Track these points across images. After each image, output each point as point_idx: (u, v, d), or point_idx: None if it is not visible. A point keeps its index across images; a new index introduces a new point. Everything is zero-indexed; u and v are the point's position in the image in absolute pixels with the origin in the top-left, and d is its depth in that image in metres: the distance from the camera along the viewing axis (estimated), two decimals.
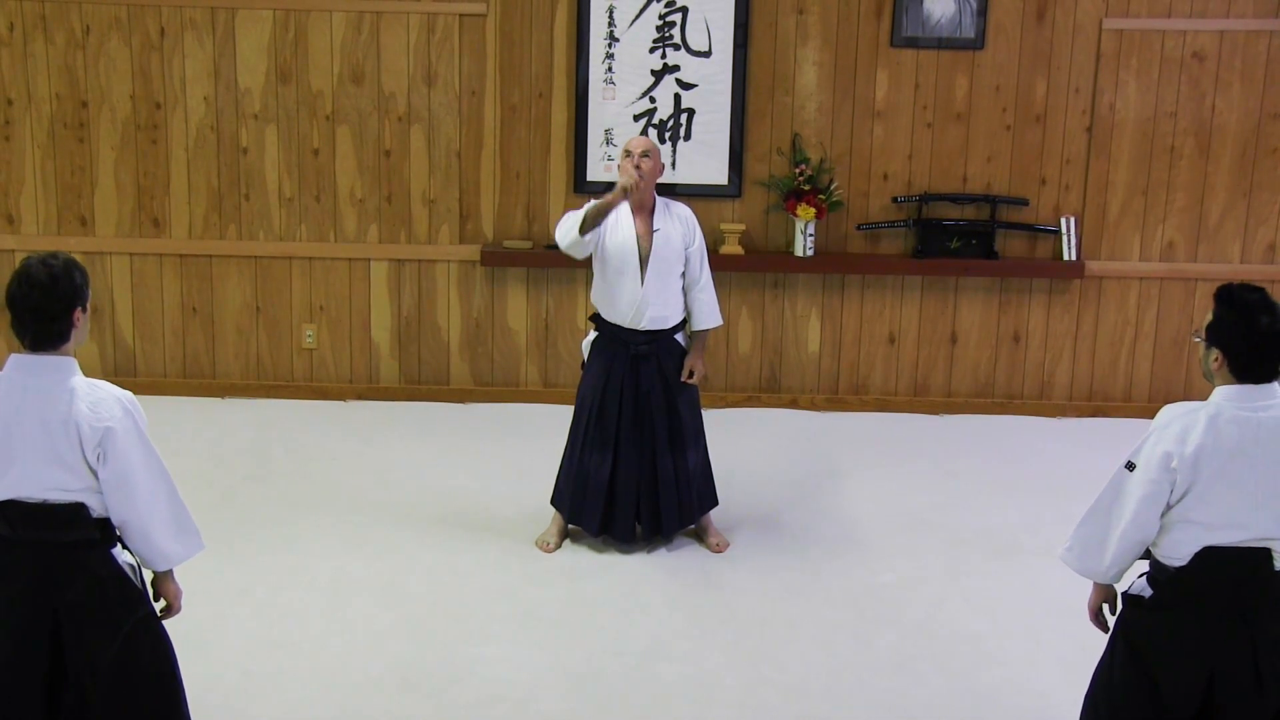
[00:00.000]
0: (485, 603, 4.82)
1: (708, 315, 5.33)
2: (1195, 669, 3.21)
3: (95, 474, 3.15)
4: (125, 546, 3.30)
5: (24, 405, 3.14)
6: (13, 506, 3.14)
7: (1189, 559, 3.21)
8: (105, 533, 3.22)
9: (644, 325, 5.19)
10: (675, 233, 5.19)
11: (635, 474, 5.26)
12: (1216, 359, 3.24)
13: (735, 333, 7.06)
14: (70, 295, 3.16)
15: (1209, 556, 3.19)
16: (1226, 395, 3.22)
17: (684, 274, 5.26)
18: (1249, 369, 3.20)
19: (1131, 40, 6.81)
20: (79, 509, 3.15)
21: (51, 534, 3.15)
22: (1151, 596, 3.28)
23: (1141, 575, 3.36)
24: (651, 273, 5.15)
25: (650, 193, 5.19)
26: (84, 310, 3.21)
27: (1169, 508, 3.23)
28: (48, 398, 3.14)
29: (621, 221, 5.15)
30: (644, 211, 5.19)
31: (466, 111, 6.87)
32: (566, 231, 5.13)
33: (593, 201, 5.11)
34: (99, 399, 3.16)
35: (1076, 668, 4.18)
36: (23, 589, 3.16)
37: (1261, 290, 3.22)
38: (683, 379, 5.28)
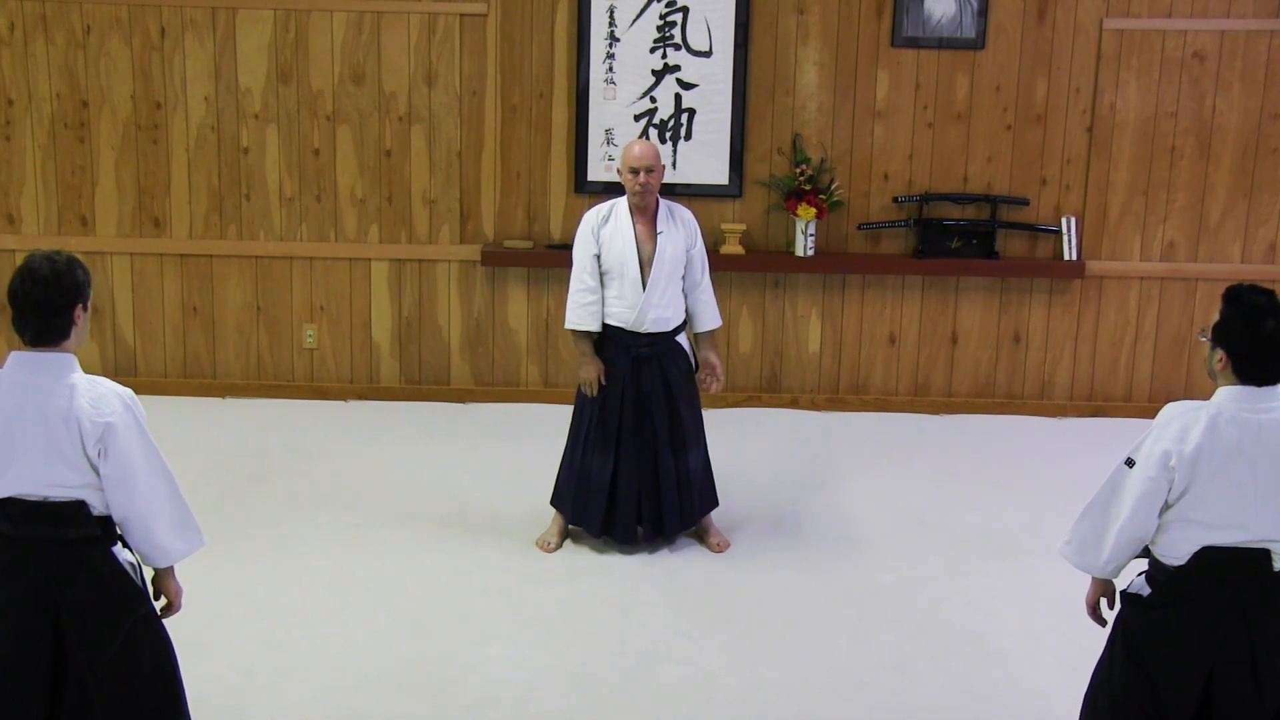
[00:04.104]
0: (485, 603, 4.82)
1: (709, 317, 5.39)
2: (1194, 668, 3.21)
3: (96, 470, 3.16)
4: (126, 545, 3.31)
5: (25, 402, 3.14)
6: (14, 504, 3.14)
7: (1188, 558, 3.21)
8: (106, 530, 3.22)
9: (646, 328, 5.19)
10: (678, 236, 5.20)
11: (636, 475, 5.26)
12: (1221, 359, 3.23)
13: (736, 333, 7.06)
14: (73, 291, 3.17)
15: (1208, 556, 3.19)
16: (1229, 396, 3.21)
17: (684, 276, 5.28)
18: (1253, 371, 3.19)
19: (1132, 40, 6.81)
20: (80, 506, 3.16)
21: (53, 531, 3.15)
22: (1150, 595, 3.28)
23: (1140, 573, 3.36)
24: (654, 276, 5.15)
25: (654, 198, 5.20)
26: (85, 308, 3.22)
27: (1168, 506, 3.23)
28: (48, 394, 3.14)
29: (621, 226, 5.16)
30: (646, 216, 5.19)
31: (467, 111, 6.87)
32: (572, 316, 5.27)
33: (582, 346, 5.26)
34: (99, 395, 3.17)
35: (1076, 667, 4.18)
36: (24, 586, 3.16)
37: (1270, 293, 3.21)
38: (705, 377, 5.38)
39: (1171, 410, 3.27)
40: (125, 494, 3.19)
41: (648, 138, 6.83)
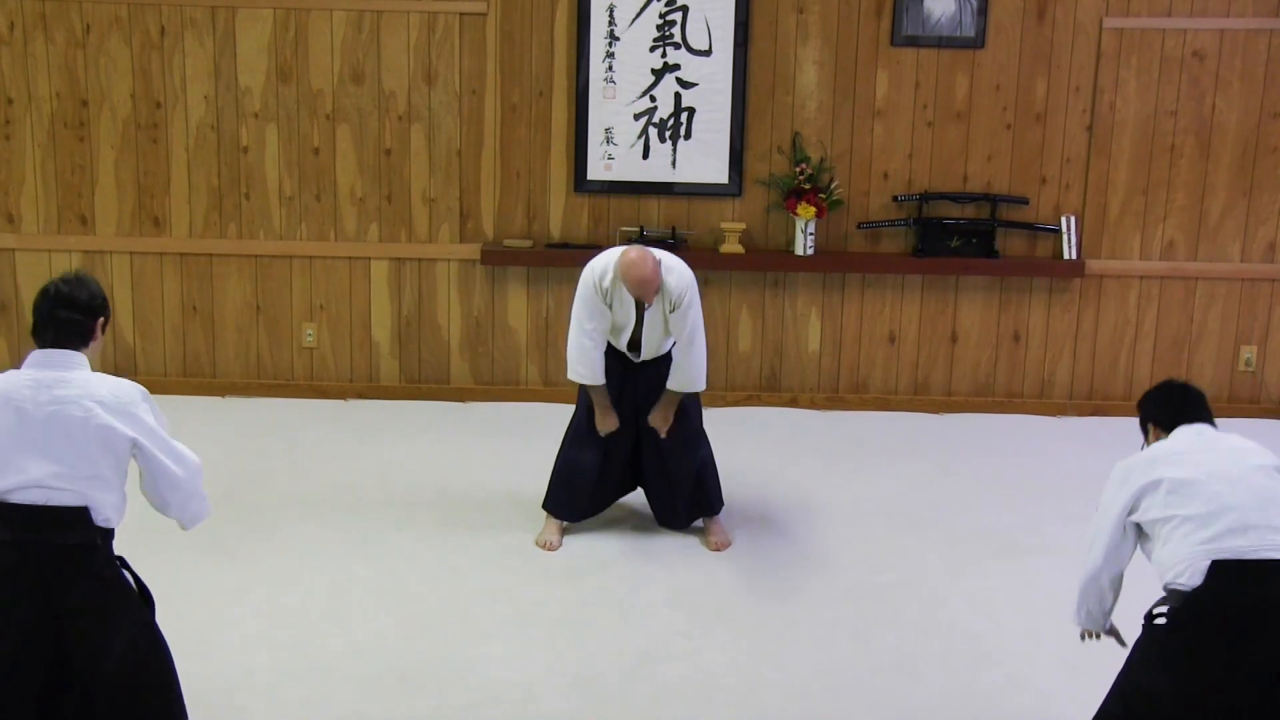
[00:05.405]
0: (485, 603, 4.82)
1: (682, 377, 5.14)
2: (1217, 691, 3.18)
3: (106, 458, 3.19)
4: (125, 566, 3.34)
5: (38, 392, 3.20)
6: (14, 509, 3.14)
7: (1200, 576, 3.18)
8: (105, 539, 3.24)
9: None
10: (662, 311, 5.09)
11: (626, 468, 5.38)
12: (1153, 433, 3.57)
13: (735, 332, 7.06)
14: (97, 303, 3.36)
15: (1221, 571, 3.17)
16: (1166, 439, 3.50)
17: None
18: (1176, 417, 3.52)
19: (1132, 39, 6.81)
20: (82, 512, 3.16)
21: (53, 536, 3.15)
22: (1169, 622, 3.26)
23: (1161, 612, 3.34)
24: (645, 342, 5.17)
25: None
26: (104, 327, 3.38)
27: (1155, 521, 3.30)
28: (63, 383, 3.23)
29: (625, 300, 5.07)
30: None
31: (467, 110, 6.87)
32: (574, 368, 5.16)
33: (597, 396, 5.18)
34: (116, 383, 3.29)
35: (1076, 667, 4.20)
36: (24, 591, 3.15)
37: None
38: (661, 429, 5.23)
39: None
40: (166, 478, 3.29)
41: (647, 138, 6.82)
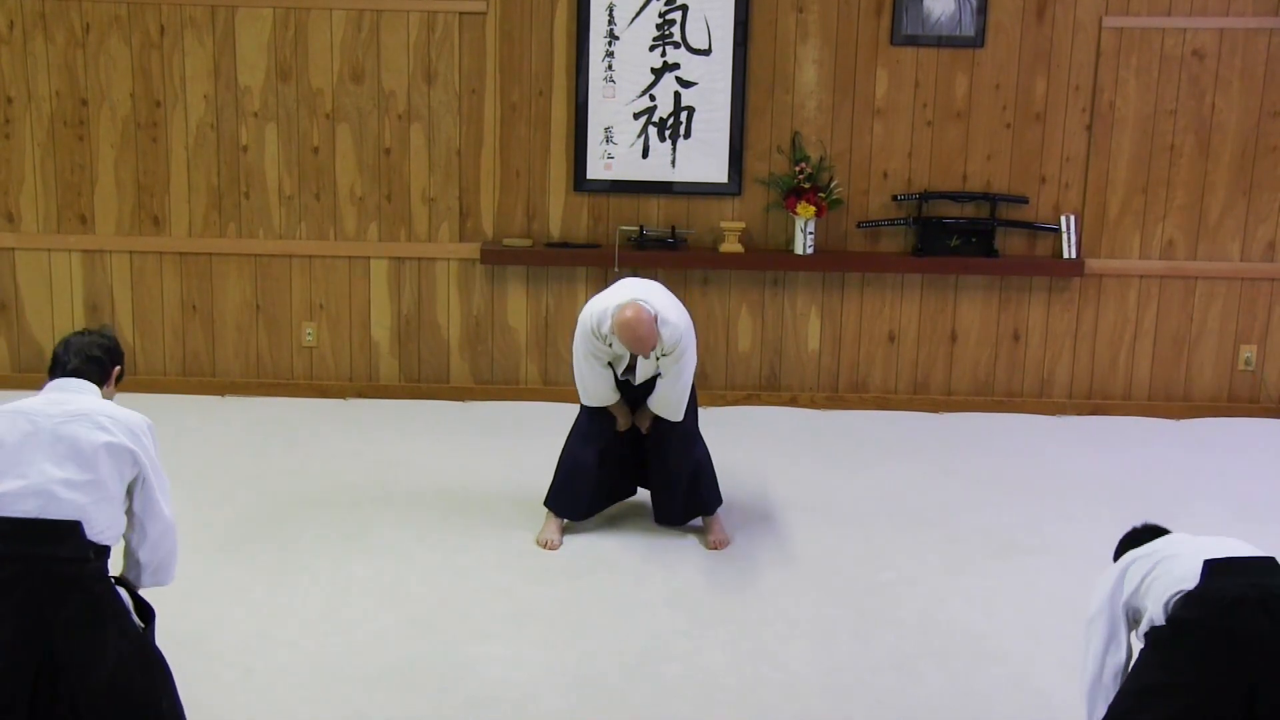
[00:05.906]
0: (485, 602, 4.82)
1: (661, 404, 5.21)
2: (1225, 680, 3.18)
3: (106, 463, 3.23)
4: (120, 582, 3.37)
5: (49, 406, 3.30)
6: (6, 522, 3.15)
7: (1198, 578, 3.18)
8: (99, 554, 3.24)
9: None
10: (652, 359, 5.13)
11: (628, 468, 5.41)
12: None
13: (735, 331, 7.06)
14: (116, 350, 3.57)
15: (1217, 567, 3.17)
16: None
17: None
18: (1146, 535, 3.59)
19: (1131, 38, 6.81)
20: (74, 526, 3.17)
21: (47, 549, 3.15)
22: (1170, 623, 3.25)
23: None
24: (640, 371, 5.19)
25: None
26: (118, 378, 3.55)
27: (1144, 578, 3.34)
28: (75, 402, 3.33)
29: (622, 350, 5.12)
30: None
31: (466, 110, 6.87)
32: (587, 396, 5.25)
33: (613, 408, 5.28)
34: (126, 411, 3.40)
35: (1076, 667, 4.19)
36: (15, 604, 3.14)
37: None
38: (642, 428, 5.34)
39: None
40: (152, 508, 3.39)
41: (646, 137, 6.82)
